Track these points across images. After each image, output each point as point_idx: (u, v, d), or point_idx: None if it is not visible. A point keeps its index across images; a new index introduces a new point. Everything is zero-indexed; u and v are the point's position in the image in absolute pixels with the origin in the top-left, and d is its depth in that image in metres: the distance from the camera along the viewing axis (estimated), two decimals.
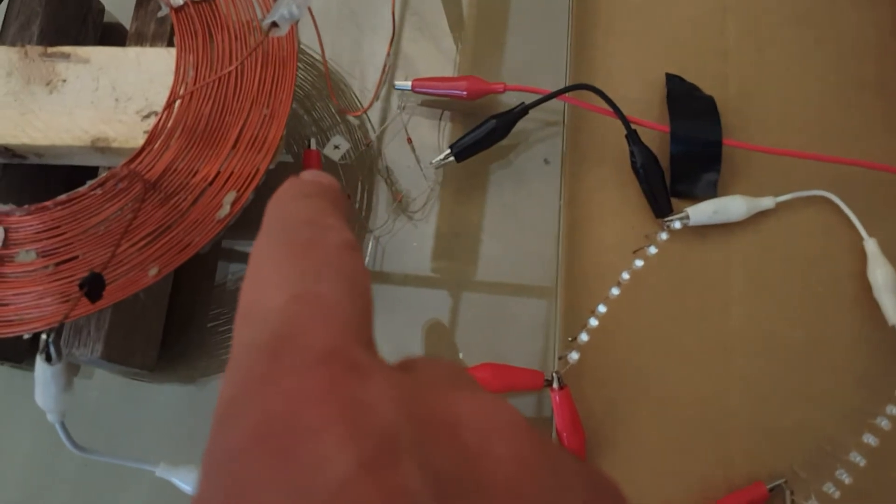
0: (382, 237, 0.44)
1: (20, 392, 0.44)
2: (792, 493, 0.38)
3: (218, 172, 0.36)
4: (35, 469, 0.42)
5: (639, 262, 0.40)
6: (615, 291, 0.40)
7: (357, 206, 0.45)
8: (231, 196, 0.35)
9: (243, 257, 0.46)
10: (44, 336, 0.29)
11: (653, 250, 0.41)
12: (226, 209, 0.35)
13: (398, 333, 0.42)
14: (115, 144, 0.37)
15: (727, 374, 0.41)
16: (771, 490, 0.38)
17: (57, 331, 0.30)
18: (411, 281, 0.43)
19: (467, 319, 0.42)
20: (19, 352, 0.42)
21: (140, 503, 0.41)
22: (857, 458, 0.37)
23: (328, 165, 0.45)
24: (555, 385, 0.39)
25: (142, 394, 0.43)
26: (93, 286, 0.30)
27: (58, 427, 0.33)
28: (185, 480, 0.36)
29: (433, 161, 0.43)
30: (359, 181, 0.45)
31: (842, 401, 0.39)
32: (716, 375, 0.41)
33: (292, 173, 0.21)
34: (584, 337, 0.39)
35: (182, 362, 0.43)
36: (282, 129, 0.37)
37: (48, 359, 0.29)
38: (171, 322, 0.43)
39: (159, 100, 0.38)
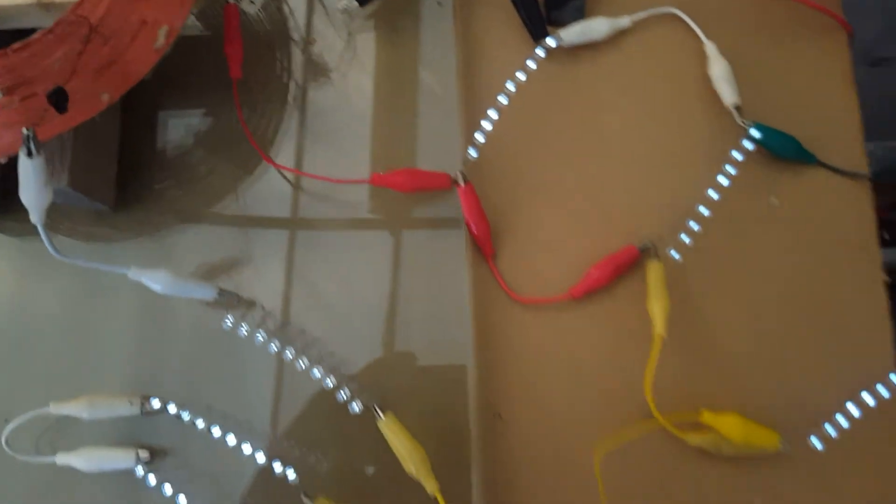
0: (298, 90, 0.51)
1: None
2: (655, 247, 0.46)
3: (151, 12, 0.42)
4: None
5: (521, 75, 0.48)
6: (503, 100, 0.48)
7: (277, 65, 0.52)
8: (164, 29, 0.41)
9: (179, 126, 0.51)
10: (24, 131, 0.35)
11: (532, 64, 0.48)
12: (161, 40, 0.41)
13: (326, 159, 0.49)
14: (58, 0, 0.43)
15: (606, 167, 0.49)
16: (641, 251, 0.46)
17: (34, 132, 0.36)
18: (329, 115, 0.50)
19: (382, 141, 0.49)
20: None
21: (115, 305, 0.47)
22: (706, 212, 0.46)
23: (245, 20, 0.52)
24: (460, 182, 0.46)
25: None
26: (58, 98, 0.36)
27: (39, 228, 0.39)
28: (153, 280, 0.43)
29: (338, 5, 0.49)
30: (274, 36, 0.52)
31: (695, 180, 0.48)
32: (597, 169, 0.49)
33: None
34: (480, 138, 0.47)
35: (138, 212, 0.49)
36: None
37: (29, 153, 0.35)
38: (122, 180, 0.49)
39: None
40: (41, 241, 0.39)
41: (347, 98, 0.50)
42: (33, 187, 0.36)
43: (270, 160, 0.48)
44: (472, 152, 0.47)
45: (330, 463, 0.43)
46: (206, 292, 0.44)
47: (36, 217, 0.38)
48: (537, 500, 0.45)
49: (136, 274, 0.43)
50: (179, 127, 0.52)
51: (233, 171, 0.50)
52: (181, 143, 0.51)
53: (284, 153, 0.49)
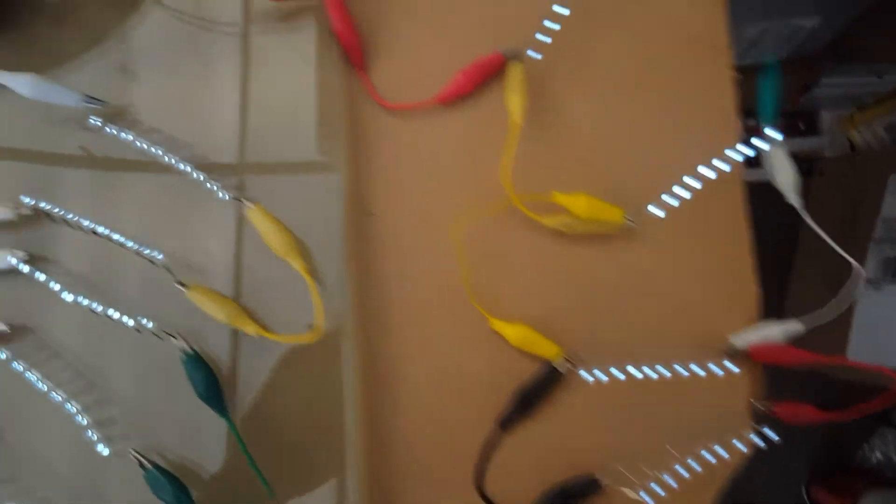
0: None
1: None
2: (519, 53, 0.48)
3: None
4: None
5: None
6: None
7: None
8: None
9: None
10: None
11: None
12: None
13: None
14: None
15: None
16: (506, 56, 0.48)
17: None
18: None
19: None
20: None
21: None
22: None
23: None
24: None
25: None
26: None
27: None
28: (20, 84, 0.44)
29: None
30: None
31: None
32: None
33: None
34: None
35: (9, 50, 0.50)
36: None
37: None
38: None
39: None
40: None
41: None
42: None
43: None
44: None
45: (203, 254, 0.45)
46: (73, 98, 0.45)
47: None
48: (406, 283, 0.48)
49: (2, 77, 0.44)
50: None
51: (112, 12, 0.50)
52: None
53: None
